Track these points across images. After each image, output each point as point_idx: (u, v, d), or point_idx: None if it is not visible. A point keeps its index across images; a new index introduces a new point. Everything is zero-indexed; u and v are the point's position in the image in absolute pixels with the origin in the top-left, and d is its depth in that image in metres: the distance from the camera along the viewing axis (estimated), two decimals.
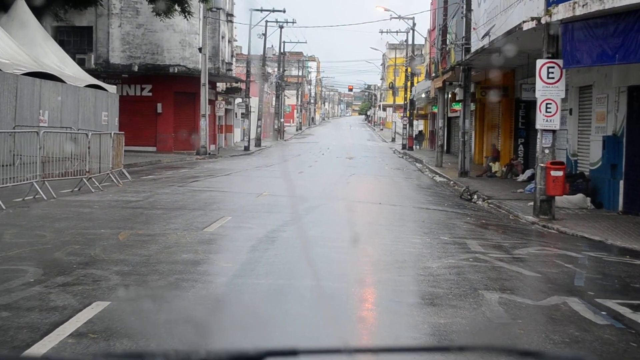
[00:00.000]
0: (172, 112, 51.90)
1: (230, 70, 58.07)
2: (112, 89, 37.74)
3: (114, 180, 23.25)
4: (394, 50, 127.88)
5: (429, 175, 36.95)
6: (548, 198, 18.47)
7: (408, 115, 66.94)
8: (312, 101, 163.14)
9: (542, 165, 18.46)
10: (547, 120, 18.48)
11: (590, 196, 21.58)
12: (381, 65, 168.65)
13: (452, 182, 32.28)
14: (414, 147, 64.56)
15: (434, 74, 42.43)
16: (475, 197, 24.77)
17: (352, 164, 42.18)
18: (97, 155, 22.58)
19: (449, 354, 2.00)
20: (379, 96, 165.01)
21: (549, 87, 18.30)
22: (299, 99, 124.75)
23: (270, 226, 14.56)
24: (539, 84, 18.38)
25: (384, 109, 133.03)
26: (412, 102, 65.70)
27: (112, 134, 24.47)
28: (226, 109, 65.10)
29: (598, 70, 21.66)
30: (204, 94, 45.48)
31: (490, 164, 35.48)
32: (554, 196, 18.53)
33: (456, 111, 48.25)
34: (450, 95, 43.12)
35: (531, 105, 32.80)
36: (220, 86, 61.62)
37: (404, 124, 70.90)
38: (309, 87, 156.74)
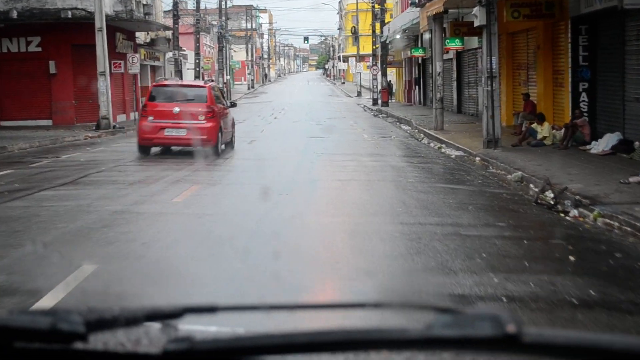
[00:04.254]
0: (71, 71, 38.77)
1: (150, 14, 44.74)
2: None
3: None
4: None
5: (433, 147, 24.50)
6: None
7: (380, 62, 54.11)
8: (265, 56, 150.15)
9: None
10: None
11: None
12: (337, 13, 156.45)
13: (478, 159, 20.01)
14: (388, 102, 51.91)
15: None
16: (569, 204, 12.37)
17: (315, 133, 29.55)
18: None
19: (364, 310, 1.45)
20: (337, 47, 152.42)
21: None
22: (250, 54, 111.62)
23: None
24: None
25: (345, 60, 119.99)
26: (384, 45, 52.88)
27: None
28: (152, 66, 51.87)
29: None
30: (101, 42, 32.41)
31: (531, 124, 23.09)
32: None
33: (448, 51, 35.76)
34: (449, 27, 30.44)
35: (600, 23, 20.30)
36: (141, 36, 48.30)
37: (373, 75, 58.18)
38: (260, 40, 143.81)
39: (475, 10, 21.65)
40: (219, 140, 20.49)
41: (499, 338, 1.21)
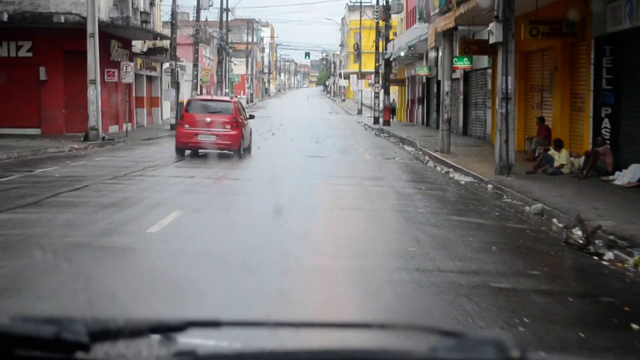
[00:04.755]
0: (62, 79, 37.28)
1: (147, 22, 43.20)
2: None
3: None
4: (354, 12, 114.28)
5: (440, 171, 22.92)
6: None
7: (382, 80, 52.58)
8: (265, 71, 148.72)
9: None
10: None
11: None
12: (340, 30, 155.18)
13: (491, 187, 18.52)
14: (390, 121, 50.33)
15: (436, 10, 28.07)
16: (601, 244, 10.78)
17: (313, 151, 28.00)
18: None
19: (370, 331, 1.62)
20: (338, 64, 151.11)
21: None
22: (251, 68, 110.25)
23: None
24: None
25: (346, 77, 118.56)
26: (387, 63, 51.40)
27: None
28: (148, 76, 50.33)
29: None
30: (93, 49, 30.86)
31: (545, 150, 21.56)
32: None
33: (456, 70, 34.23)
34: (458, 45, 28.92)
35: (627, 44, 18.80)
36: (138, 45, 46.79)
37: (375, 93, 56.71)
38: (261, 55, 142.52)
39: (492, 26, 20.11)
40: (241, 145, 24.54)
41: None
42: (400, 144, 35.40)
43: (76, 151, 26.18)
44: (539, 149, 23.31)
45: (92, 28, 30.61)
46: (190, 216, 12.04)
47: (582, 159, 19.55)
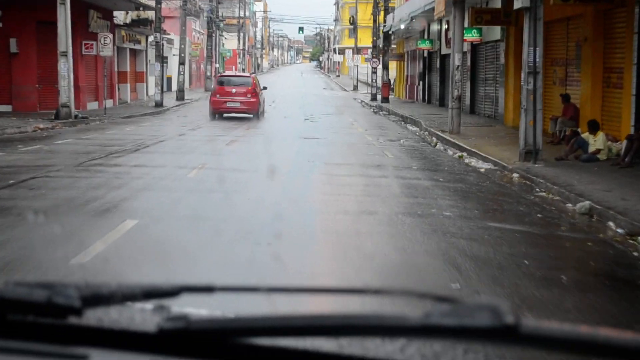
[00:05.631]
0: (35, 51, 34.31)
1: None
2: None
3: None
4: None
5: (452, 155, 20.17)
6: None
7: (382, 54, 49.56)
8: (258, 46, 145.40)
9: None
10: None
11: None
12: (334, 4, 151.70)
13: (517, 176, 15.96)
14: (388, 97, 47.37)
15: None
16: None
17: (308, 132, 25.19)
18: None
19: (364, 296, 1.70)
20: (332, 39, 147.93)
21: None
22: (243, 43, 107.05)
23: None
24: None
25: (341, 52, 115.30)
26: (387, 36, 48.37)
27: None
28: (132, 49, 47.31)
29: None
30: (64, 17, 27.89)
31: (573, 132, 18.84)
32: None
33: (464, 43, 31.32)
34: (469, 15, 25.99)
35: None
36: (120, 16, 43.71)
37: (373, 68, 53.71)
38: (254, 29, 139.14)
39: None
40: (259, 110, 32.36)
41: (497, 328, 1.21)
42: (403, 122, 32.57)
43: (40, 131, 23.12)
44: (564, 130, 20.55)
45: None
46: (145, 230, 8.91)
47: (623, 143, 16.76)
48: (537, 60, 17.10)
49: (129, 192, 11.60)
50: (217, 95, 31.82)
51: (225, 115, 31.60)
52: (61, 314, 1.40)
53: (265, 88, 36.05)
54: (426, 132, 26.71)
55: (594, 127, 17.53)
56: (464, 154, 20.25)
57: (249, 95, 31.68)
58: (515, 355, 1.39)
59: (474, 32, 29.89)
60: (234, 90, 31.71)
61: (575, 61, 21.59)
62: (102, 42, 33.63)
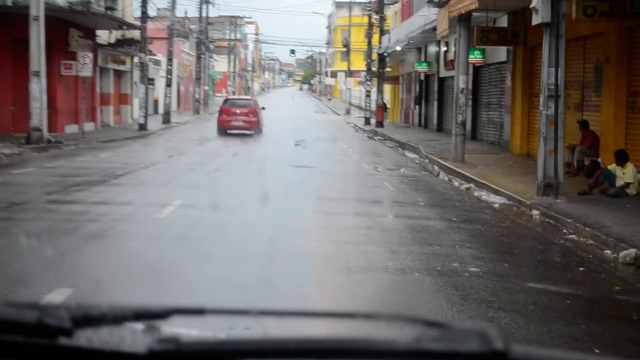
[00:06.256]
0: (10, 71, 32.30)
1: (114, 9, 38.12)
2: None
3: None
4: (342, 9, 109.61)
5: (458, 187, 18.22)
6: None
7: (376, 77, 47.67)
8: (249, 69, 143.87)
9: None
10: None
11: None
12: (327, 28, 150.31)
13: (538, 214, 14.13)
14: (383, 122, 45.41)
15: None
16: None
17: (299, 159, 23.21)
18: None
19: (355, 320, 1.64)
20: (324, 62, 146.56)
21: None
22: (233, 65, 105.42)
23: None
24: None
25: (333, 75, 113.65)
26: (382, 58, 46.48)
27: None
28: (116, 70, 45.34)
29: None
30: (37, 35, 25.98)
31: (592, 162, 16.96)
32: None
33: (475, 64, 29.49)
34: (475, 33, 24.10)
35: None
36: (104, 35, 41.75)
37: (366, 91, 51.87)
38: (245, 52, 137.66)
39: (536, 2, 15.30)
40: (259, 127, 36.77)
41: (486, 354, 1.19)
42: (400, 149, 30.61)
43: (5, 158, 20.90)
44: (583, 160, 18.62)
45: (35, 10, 25.70)
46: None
47: None
48: (559, 82, 15.19)
49: (73, 242, 9.28)
50: (224, 115, 36.49)
51: (229, 132, 35.72)
52: (51, 335, 1.40)
53: (263, 108, 40.53)
54: (426, 160, 24.75)
55: (622, 158, 15.57)
56: (472, 185, 18.29)
57: (250, 115, 36.32)
58: None
59: (477, 54, 28.05)
60: (238, 111, 36.41)
61: (593, 84, 19.68)
62: (82, 61, 31.61)
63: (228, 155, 24.20)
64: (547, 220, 13.39)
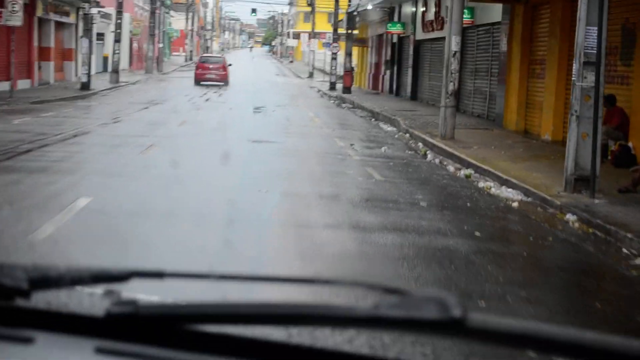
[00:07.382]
0: None
1: None
2: None
3: None
4: None
5: (453, 172, 14.73)
6: None
7: (344, 39, 43.84)
8: (208, 28, 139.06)
9: None
10: None
11: None
12: None
13: (573, 220, 10.67)
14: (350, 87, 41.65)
15: None
16: None
17: (259, 131, 19.62)
18: None
19: (314, 286, 1.45)
20: (286, 23, 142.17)
21: None
22: (191, 23, 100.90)
23: None
24: None
25: (296, 37, 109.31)
26: (350, 17, 42.66)
27: None
28: (58, 22, 40.99)
29: None
30: None
31: (621, 145, 13.53)
32: None
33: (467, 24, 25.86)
34: None
35: None
36: None
37: (332, 54, 48.04)
38: (204, 9, 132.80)
39: None
40: (227, 80, 45.46)
41: (444, 321, 1.21)
42: (373, 119, 27.01)
43: None
44: (610, 144, 15.17)
45: None
46: None
47: None
48: (602, 45, 11.67)
49: None
50: (200, 69, 45.51)
51: (202, 83, 44.01)
52: (8, 296, 1.37)
53: (230, 65, 48.73)
54: (407, 135, 21.18)
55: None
56: (471, 171, 14.78)
57: (221, 70, 45.23)
58: (463, 347, 1.33)
59: (465, 13, 24.43)
60: (210, 66, 45.62)
61: (620, 50, 16.18)
62: (10, 8, 27.42)
63: (173, 124, 20.37)
64: (590, 229, 9.91)
